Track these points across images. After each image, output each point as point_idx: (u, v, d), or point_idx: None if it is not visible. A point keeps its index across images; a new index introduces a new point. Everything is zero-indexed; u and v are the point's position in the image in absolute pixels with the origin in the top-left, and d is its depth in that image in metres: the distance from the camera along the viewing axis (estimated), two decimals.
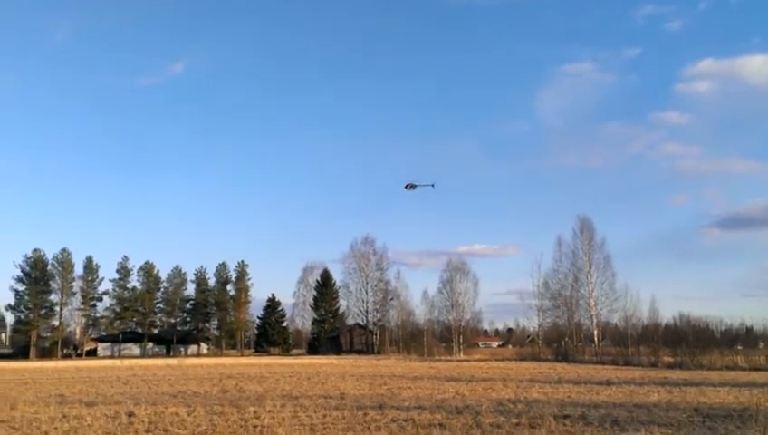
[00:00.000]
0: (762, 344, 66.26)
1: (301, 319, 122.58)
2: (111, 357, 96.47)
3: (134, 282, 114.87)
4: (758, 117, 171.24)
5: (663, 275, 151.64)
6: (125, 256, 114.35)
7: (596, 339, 79.57)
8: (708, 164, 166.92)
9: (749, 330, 72.40)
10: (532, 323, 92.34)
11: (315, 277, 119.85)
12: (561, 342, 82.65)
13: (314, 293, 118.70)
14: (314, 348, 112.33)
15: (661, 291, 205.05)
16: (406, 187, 64.02)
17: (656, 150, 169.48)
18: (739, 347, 62.36)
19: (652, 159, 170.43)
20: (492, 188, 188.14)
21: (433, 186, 65.01)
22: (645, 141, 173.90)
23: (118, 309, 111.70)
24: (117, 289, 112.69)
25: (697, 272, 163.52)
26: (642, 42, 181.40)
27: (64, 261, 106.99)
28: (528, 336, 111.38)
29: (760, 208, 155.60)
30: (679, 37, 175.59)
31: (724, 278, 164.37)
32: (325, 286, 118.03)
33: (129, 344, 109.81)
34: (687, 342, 60.58)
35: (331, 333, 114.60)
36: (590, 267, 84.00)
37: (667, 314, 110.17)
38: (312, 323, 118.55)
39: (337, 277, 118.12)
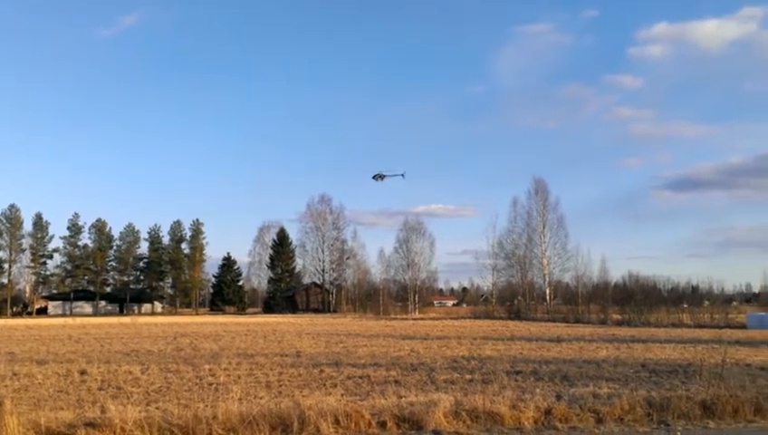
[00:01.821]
0: (707, 303, 68.35)
1: (257, 278, 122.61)
2: (63, 315, 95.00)
3: (85, 239, 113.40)
4: (709, 81, 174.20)
5: (614, 236, 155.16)
6: (76, 213, 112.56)
7: (548, 297, 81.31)
8: (660, 127, 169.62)
9: (695, 289, 74.67)
10: (486, 282, 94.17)
11: (271, 236, 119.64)
12: (514, 300, 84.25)
13: (270, 252, 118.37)
14: (270, 307, 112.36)
15: (612, 251, 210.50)
16: (374, 177, 63.80)
17: (610, 113, 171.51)
18: (685, 305, 64.25)
19: (606, 122, 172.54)
20: (449, 148, 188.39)
21: (403, 175, 64.95)
22: (600, 104, 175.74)
23: (69, 267, 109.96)
24: (68, 247, 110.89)
25: (647, 233, 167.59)
26: (599, 4, 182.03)
27: (12, 217, 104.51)
28: (482, 295, 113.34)
29: (708, 171, 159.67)
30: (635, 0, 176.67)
31: (672, 239, 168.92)
32: (281, 245, 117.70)
33: (80, 303, 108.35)
34: (635, 300, 62.24)
35: (287, 292, 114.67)
36: (544, 228, 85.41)
37: (617, 274, 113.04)
38: (268, 283, 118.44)
39: (293, 236, 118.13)
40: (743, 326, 46.51)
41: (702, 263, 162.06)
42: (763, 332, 39.84)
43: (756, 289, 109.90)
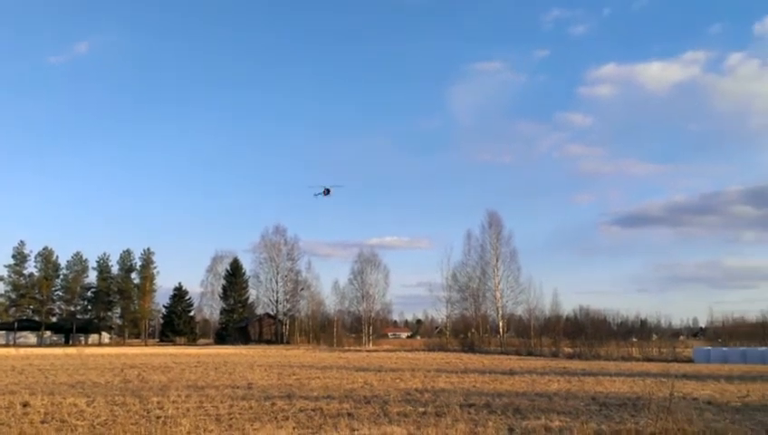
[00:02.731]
0: (655, 337, 69.74)
1: (209, 308, 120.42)
2: (6, 346, 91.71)
3: (31, 268, 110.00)
4: (655, 121, 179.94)
5: (565, 270, 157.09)
6: (21, 241, 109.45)
7: (501, 330, 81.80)
8: (609, 165, 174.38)
9: (643, 323, 76.04)
10: (440, 314, 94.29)
11: (225, 266, 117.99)
12: (467, 333, 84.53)
13: (223, 282, 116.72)
14: (222, 338, 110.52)
15: (563, 285, 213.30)
16: (323, 193, 64.07)
17: (561, 150, 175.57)
18: (634, 339, 65.42)
19: (558, 159, 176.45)
20: (404, 181, 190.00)
21: (343, 185, 66.20)
22: (552, 141, 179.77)
23: (13, 296, 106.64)
24: (12, 275, 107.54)
25: (597, 267, 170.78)
26: (550, 44, 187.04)
27: None
28: (436, 327, 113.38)
29: (656, 208, 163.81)
30: (584, 41, 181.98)
31: (621, 273, 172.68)
32: (234, 276, 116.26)
33: (24, 332, 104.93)
34: (586, 333, 63.18)
35: (239, 323, 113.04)
36: (497, 261, 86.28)
37: (568, 307, 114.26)
38: (221, 313, 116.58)
39: (247, 267, 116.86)
40: (690, 360, 47.45)
41: (650, 298, 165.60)
42: (709, 366, 40.72)
43: (703, 324, 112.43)
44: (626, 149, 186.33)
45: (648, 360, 48.99)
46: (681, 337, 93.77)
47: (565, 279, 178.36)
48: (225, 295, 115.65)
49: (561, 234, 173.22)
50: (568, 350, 59.53)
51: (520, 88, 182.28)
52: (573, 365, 40.09)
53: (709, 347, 53.38)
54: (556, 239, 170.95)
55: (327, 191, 63.70)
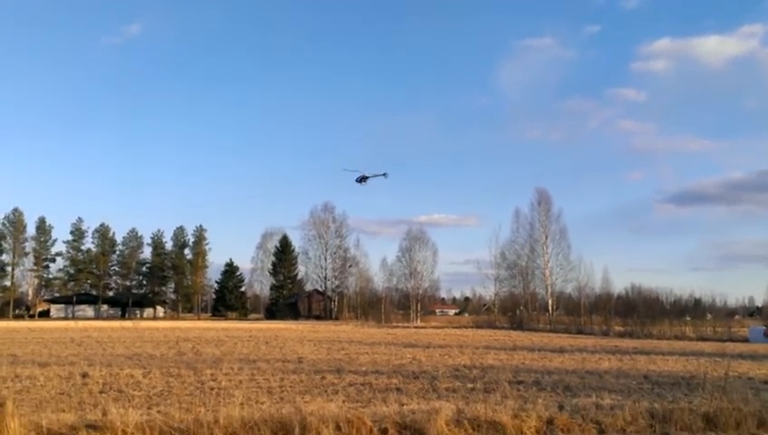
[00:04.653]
0: (709, 316, 68.20)
1: (259, 284, 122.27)
2: (65, 319, 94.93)
3: (89, 244, 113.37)
4: (711, 97, 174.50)
5: (616, 248, 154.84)
6: (79, 218, 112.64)
7: (550, 308, 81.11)
8: (663, 141, 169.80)
9: (697, 302, 74.34)
10: (488, 291, 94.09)
11: (274, 243, 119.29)
12: (516, 310, 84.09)
13: (273, 258, 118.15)
14: (272, 313, 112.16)
15: (614, 263, 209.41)
16: (357, 180, 63.87)
17: (612, 126, 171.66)
18: (687, 318, 64.16)
19: (609, 135, 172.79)
20: (452, 159, 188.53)
21: (385, 175, 65.38)
22: (603, 117, 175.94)
23: (72, 271, 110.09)
24: (71, 251, 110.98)
25: (650, 245, 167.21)
26: (602, 19, 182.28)
27: (16, 221, 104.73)
28: (484, 305, 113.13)
29: (712, 185, 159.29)
30: (637, 16, 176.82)
31: (675, 252, 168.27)
32: (284, 252, 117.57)
33: (83, 306, 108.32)
34: (638, 312, 62.14)
35: (289, 299, 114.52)
36: (547, 238, 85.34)
37: (620, 286, 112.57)
38: (271, 289, 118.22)
39: (296, 243, 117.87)
40: (745, 340, 46.37)
41: (705, 276, 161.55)
42: (765, 345, 39.73)
43: (759, 303, 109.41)
44: (680, 125, 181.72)
45: (702, 339, 48.02)
46: (736, 317, 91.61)
47: (616, 257, 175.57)
48: (274, 272, 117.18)
49: (612, 211, 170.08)
50: (619, 328, 58.75)
51: (570, 64, 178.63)
52: (625, 344, 39.55)
53: (766, 327, 51.98)
54: (607, 217, 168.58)
55: (364, 178, 63.56)
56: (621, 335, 53.36)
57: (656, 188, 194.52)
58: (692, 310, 69.79)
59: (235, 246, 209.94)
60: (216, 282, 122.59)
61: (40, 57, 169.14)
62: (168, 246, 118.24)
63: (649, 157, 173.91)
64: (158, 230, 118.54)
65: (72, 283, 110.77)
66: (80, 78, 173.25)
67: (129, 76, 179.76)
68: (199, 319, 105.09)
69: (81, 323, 67.68)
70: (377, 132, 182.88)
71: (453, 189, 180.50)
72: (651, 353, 30.05)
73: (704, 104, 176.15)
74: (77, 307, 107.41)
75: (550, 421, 10.28)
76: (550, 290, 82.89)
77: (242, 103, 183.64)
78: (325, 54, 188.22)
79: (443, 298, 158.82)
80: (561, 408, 11.68)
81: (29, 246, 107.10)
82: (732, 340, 46.71)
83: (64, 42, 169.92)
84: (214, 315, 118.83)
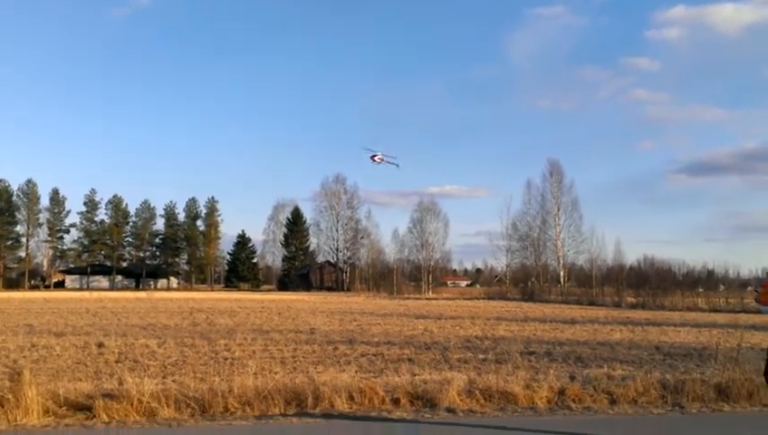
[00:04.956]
0: (722, 287, 68.12)
1: (271, 256, 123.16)
2: (80, 289, 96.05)
3: (102, 215, 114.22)
4: (726, 66, 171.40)
5: (629, 219, 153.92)
6: (93, 189, 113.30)
7: (562, 279, 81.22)
8: (676, 111, 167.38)
9: (710, 273, 74.30)
10: (500, 263, 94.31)
11: (286, 215, 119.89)
12: (527, 282, 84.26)
13: (285, 230, 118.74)
14: (284, 284, 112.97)
15: (626, 234, 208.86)
16: (372, 158, 64.83)
17: (625, 96, 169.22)
18: (700, 289, 64.05)
19: (621, 105, 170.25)
20: (462, 129, 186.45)
21: (398, 166, 67.71)
22: (615, 86, 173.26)
23: (86, 242, 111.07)
24: (84, 222, 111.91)
25: (662, 216, 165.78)
26: None
27: (30, 192, 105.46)
28: (496, 276, 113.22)
29: (725, 155, 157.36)
30: None
31: (687, 223, 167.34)
32: (296, 224, 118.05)
33: (97, 277, 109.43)
34: (650, 283, 62.10)
35: (301, 270, 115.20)
36: (558, 210, 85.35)
37: (632, 257, 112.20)
38: (283, 260, 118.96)
39: (308, 215, 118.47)
40: (758, 311, 46.22)
41: (718, 247, 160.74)
42: None
43: None
44: (694, 94, 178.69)
45: (715, 311, 47.91)
46: (749, 288, 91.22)
47: (629, 228, 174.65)
48: (286, 243, 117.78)
49: (624, 182, 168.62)
50: (631, 300, 58.72)
51: (582, 32, 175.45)
52: (636, 315, 39.55)
53: None
54: (619, 188, 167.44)
55: (379, 159, 64.44)
56: (633, 307, 53.35)
57: (668, 159, 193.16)
58: (705, 281, 69.75)
59: (247, 218, 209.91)
60: (229, 253, 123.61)
61: (51, 26, 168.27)
62: (181, 217, 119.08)
63: (662, 127, 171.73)
64: (171, 202, 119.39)
65: (87, 254, 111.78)
66: (92, 49, 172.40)
67: (140, 47, 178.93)
68: (212, 290, 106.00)
69: (95, 294, 68.46)
70: (387, 103, 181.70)
71: (463, 160, 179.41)
72: (663, 325, 30.06)
73: (718, 73, 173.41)
74: (92, 278, 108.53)
75: (561, 392, 10.32)
76: (561, 261, 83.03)
77: (252, 73, 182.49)
78: (335, 22, 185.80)
79: (454, 270, 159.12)
80: (572, 378, 11.72)
81: (43, 217, 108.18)
82: (745, 311, 46.57)
83: (78, 12, 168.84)
84: (226, 286, 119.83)
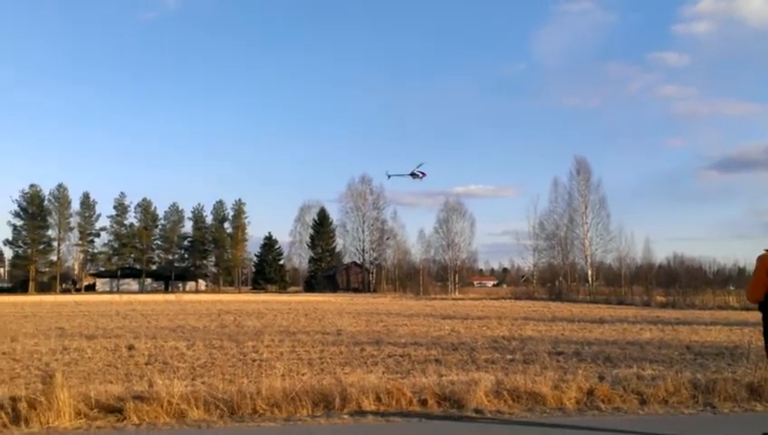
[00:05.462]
0: None
1: (298, 257, 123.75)
2: (110, 292, 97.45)
3: (131, 219, 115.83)
4: (755, 59, 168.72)
5: (658, 217, 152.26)
6: (122, 193, 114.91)
7: (590, 279, 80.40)
8: (706, 106, 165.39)
9: (741, 270, 72.93)
10: (527, 262, 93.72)
11: (312, 216, 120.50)
12: (555, 281, 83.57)
13: (311, 231, 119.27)
14: (311, 286, 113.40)
15: (655, 232, 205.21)
16: (410, 175, 67.36)
17: (653, 92, 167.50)
18: (731, 287, 63.04)
19: (650, 101, 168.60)
20: (487, 127, 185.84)
21: (424, 175, 70.52)
22: (643, 82, 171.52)
23: (116, 245, 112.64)
24: (114, 225, 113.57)
25: (692, 213, 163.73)
26: None
27: (61, 197, 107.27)
28: (523, 276, 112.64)
29: (756, 150, 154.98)
30: None
31: (718, 219, 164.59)
32: (322, 225, 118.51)
33: (127, 280, 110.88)
34: (680, 282, 61.24)
35: (327, 272, 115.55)
36: (586, 208, 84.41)
37: (661, 255, 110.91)
38: (309, 262, 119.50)
39: (334, 216, 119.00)
40: None
41: (749, 244, 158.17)
42: None
43: None
44: (723, 89, 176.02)
45: (747, 309, 46.93)
46: None
47: (658, 226, 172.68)
48: (312, 245, 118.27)
49: (653, 179, 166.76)
50: (661, 299, 57.97)
51: (610, 28, 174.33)
52: (666, 314, 39.06)
53: None
54: (648, 185, 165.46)
55: (415, 175, 66.02)
56: (663, 306, 52.68)
57: (698, 155, 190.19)
58: (736, 279, 68.55)
59: (273, 220, 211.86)
60: (256, 255, 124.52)
61: (83, 33, 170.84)
62: (209, 220, 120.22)
63: (691, 122, 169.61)
64: (199, 204, 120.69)
65: (117, 257, 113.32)
66: (120, 52, 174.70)
67: (168, 49, 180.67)
68: (240, 292, 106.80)
69: (125, 297, 69.35)
70: (413, 102, 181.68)
71: (489, 159, 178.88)
72: (694, 324, 29.64)
73: (748, 67, 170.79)
74: (122, 281, 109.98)
75: (590, 392, 10.23)
76: (589, 260, 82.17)
77: (278, 73, 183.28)
78: (361, 20, 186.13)
79: (481, 270, 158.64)
80: (601, 379, 11.60)
81: (74, 221, 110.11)
82: None
83: (107, 17, 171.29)
84: (254, 288, 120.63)
